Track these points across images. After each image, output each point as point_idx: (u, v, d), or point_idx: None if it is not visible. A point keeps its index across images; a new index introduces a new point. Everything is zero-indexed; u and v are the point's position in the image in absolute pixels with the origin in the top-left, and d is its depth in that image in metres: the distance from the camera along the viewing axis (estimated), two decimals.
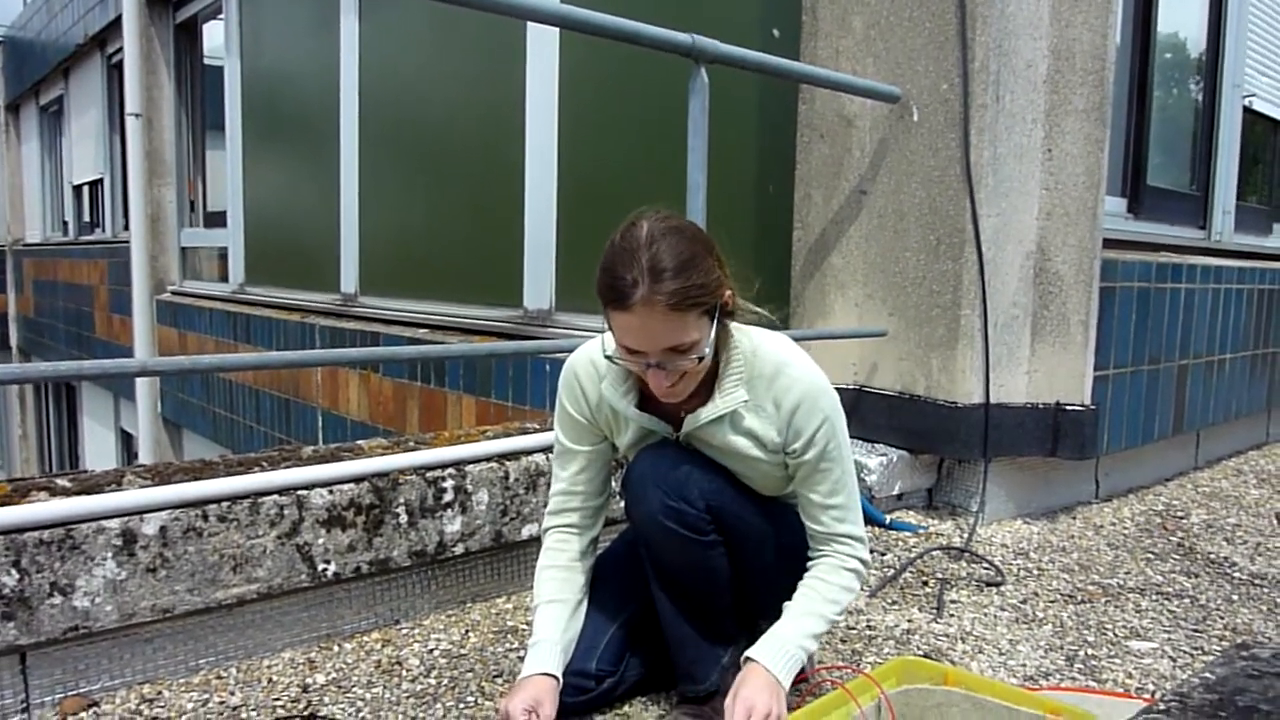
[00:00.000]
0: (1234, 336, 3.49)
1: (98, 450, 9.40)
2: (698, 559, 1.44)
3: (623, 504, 1.52)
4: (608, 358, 1.40)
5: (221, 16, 6.07)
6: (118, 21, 6.94)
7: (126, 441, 8.43)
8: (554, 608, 1.48)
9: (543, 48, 3.56)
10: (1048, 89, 2.51)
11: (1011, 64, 2.44)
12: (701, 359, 1.33)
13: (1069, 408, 2.55)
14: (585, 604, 1.53)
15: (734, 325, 1.41)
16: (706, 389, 1.42)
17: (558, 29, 3.36)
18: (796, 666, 1.38)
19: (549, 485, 2.04)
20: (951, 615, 1.96)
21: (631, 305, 1.25)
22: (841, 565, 1.45)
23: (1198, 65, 3.61)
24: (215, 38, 6.49)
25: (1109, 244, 2.69)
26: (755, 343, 1.43)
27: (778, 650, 1.37)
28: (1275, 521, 2.61)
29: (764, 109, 2.97)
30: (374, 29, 4.60)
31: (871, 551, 2.30)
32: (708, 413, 1.41)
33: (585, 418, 1.51)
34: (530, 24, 3.50)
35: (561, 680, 1.42)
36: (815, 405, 1.39)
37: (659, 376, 1.33)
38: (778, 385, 1.40)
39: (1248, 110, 3.84)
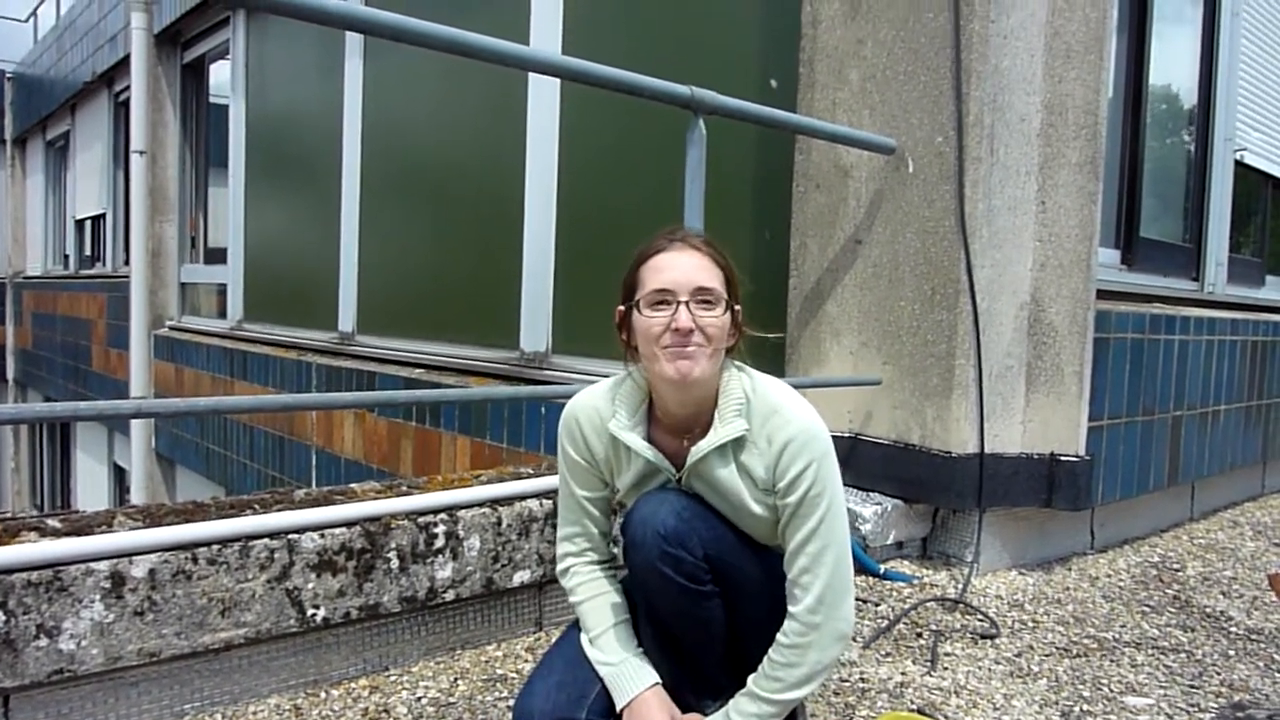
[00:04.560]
0: (1228, 388, 3.50)
1: (90, 484, 9.34)
2: (693, 608, 1.44)
3: (620, 549, 1.52)
4: (625, 338, 1.45)
5: (229, 57, 6.16)
6: (126, 60, 7.03)
7: (119, 476, 8.38)
8: (621, 629, 1.49)
9: (544, 95, 3.61)
10: (1041, 142, 2.54)
11: (1005, 118, 2.48)
12: (719, 330, 1.39)
13: (1064, 458, 2.55)
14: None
15: (735, 365, 1.47)
16: (707, 421, 1.44)
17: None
18: None
19: (541, 531, 2.04)
20: (945, 668, 1.94)
21: (669, 246, 1.41)
22: (783, 642, 1.40)
23: (1190, 119, 3.66)
24: (221, 76, 6.57)
25: (1102, 295, 2.72)
26: (755, 381, 1.47)
27: None
28: (1271, 587, 2.59)
29: (761, 158, 3.01)
30: (378, 72, 4.67)
31: (865, 602, 2.29)
32: (709, 442, 1.42)
33: (585, 460, 1.52)
34: (532, 73, 3.55)
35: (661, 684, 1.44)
36: (805, 446, 1.40)
37: (681, 326, 1.35)
38: (772, 423, 1.42)
39: (1239, 164, 3.89)
